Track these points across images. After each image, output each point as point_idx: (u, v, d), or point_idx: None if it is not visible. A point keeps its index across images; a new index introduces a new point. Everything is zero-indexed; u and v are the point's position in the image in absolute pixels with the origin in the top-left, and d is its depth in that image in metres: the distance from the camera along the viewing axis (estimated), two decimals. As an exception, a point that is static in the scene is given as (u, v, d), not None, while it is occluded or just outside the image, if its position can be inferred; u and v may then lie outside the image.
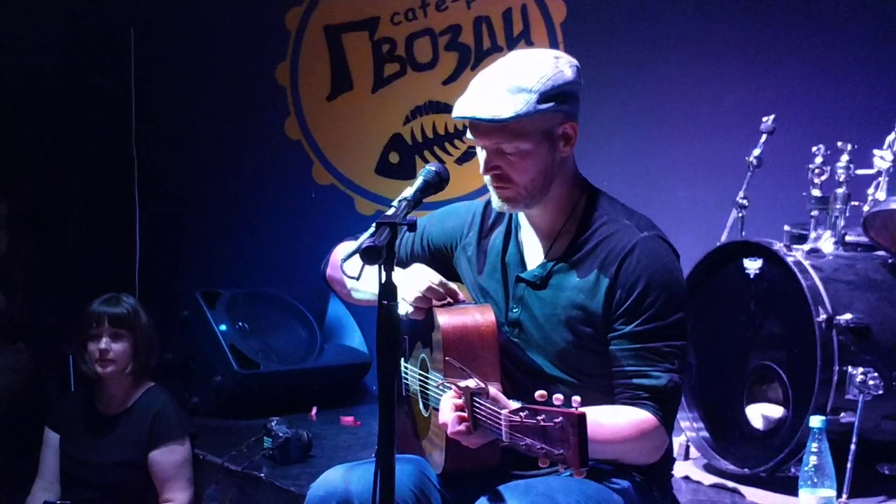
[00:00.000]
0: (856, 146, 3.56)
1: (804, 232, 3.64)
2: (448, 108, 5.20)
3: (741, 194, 3.87)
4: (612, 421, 2.23)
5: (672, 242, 2.42)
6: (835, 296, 3.29)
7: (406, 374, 2.61)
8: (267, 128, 5.75)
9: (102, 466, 3.80)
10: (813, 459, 2.66)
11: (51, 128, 5.63)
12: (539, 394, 1.96)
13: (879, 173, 3.43)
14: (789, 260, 3.36)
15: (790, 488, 3.02)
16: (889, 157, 3.40)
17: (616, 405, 2.29)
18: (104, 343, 3.77)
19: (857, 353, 3.23)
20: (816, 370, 3.21)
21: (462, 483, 2.39)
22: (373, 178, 5.55)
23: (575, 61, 2.40)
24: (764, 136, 3.89)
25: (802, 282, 3.29)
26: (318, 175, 5.68)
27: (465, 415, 2.11)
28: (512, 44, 5.13)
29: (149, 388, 3.89)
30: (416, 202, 2.27)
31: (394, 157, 5.51)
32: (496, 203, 2.41)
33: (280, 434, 3.84)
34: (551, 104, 2.30)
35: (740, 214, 3.87)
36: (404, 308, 2.39)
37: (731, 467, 3.53)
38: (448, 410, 2.15)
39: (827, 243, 3.54)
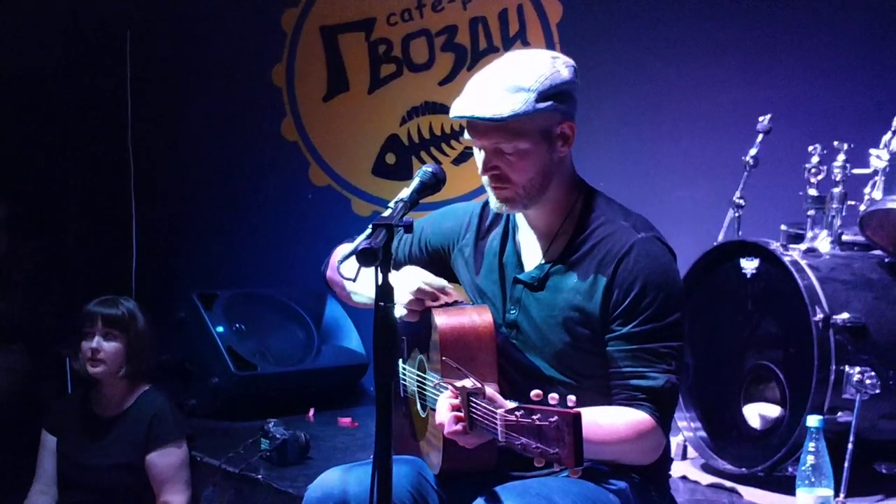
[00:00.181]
0: (852, 145, 3.56)
1: (801, 231, 3.64)
2: (444, 109, 5.25)
3: (738, 194, 3.87)
4: (610, 422, 2.23)
5: (669, 242, 2.43)
6: (831, 295, 3.29)
7: (404, 375, 2.61)
8: (263, 129, 5.75)
9: (99, 469, 3.80)
10: (810, 459, 2.66)
11: (47, 129, 5.63)
12: (535, 393, 1.96)
13: (876, 172, 3.43)
14: (786, 259, 3.36)
15: (788, 488, 3.02)
16: (885, 156, 3.40)
17: (613, 406, 2.29)
18: (95, 342, 3.77)
19: (854, 352, 3.23)
20: (813, 370, 3.21)
21: (459, 484, 2.39)
22: (369, 179, 5.55)
23: (572, 62, 2.40)
24: (760, 136, 3.89)
25: (799, 281, 3.29)
26: (315, 176, 5.68)
27: (462, 415, 2.11)
28: (508, 44, 5.13)
29: (145, 391, 3.89)
30: (412, 203, 2.27)
31: (390, 158, 5.51)
32: (494, 204, 2.41)
33: (277, 436, 3.83)
34: (550, 103, 2.30)
35: (737, 214, 3.87)
36: (398, 311, 2.39)
37: (728, 467, 3.53)
38: (445, 410, 2.15)
39: (823, 243, 3.55)
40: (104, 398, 3.88)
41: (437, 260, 2.64)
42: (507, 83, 2.28)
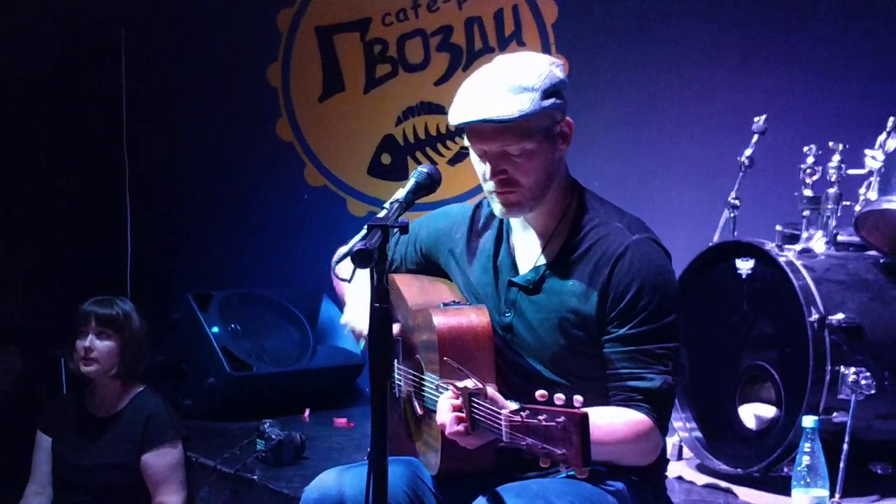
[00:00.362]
0: (847, 146, 3.56)
1: (796, 232, 3.64)
2: (440, 109, 5.26)
3: (733, 194, 3.87)
4: (608, 423, 2.23)
5: (664, 243, 2.43)
6: (827, 296, 3.29)
7: (399, 375, 2.61)
8: (259, 129, 5.75)
9: (95, 469, 3.79)
10: (806, 459, 2.66)
11: (42, 129, 5.62)
12: (539, 393, 1.95)
13: (871, 173, 3.44)
14: (781, 260, 3.36)
15: (783, 488, 3.02)
16: (880, 156, 3.40)
17: (611, 407, 2.29)
18: (89, 341, 3.76)
19: (850, 352, 3.23)
20: (809, 370, 3.21)
21: (456, 484, 2.39)
22: (365, 179, 5.55)
23: (561, 61, 2.41)
24: (755, 137, 3.89)
25: (794, 282, 3.29)
26: (311, 176, 5.68)
27: (464, 415, 2.11)
28: (503, 44, 5.14)
29: (140, 391, 3.88)
30: (408, 204, 2.26)
31: (386, 159, 5.51)
32: (499, 210, 2.40)
33: (273, 436, 3.83)
34: (553, 101, 2.31)
35: (732, 214, 3.87)
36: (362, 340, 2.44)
37: (724, 467, 3.53)
38: (446, 411, 2.15)
39: (819, 243, 3.55)
40: (99, 398, 3.87)
41: (431, 262, 2.64)
42: (509, 84, 2.28)
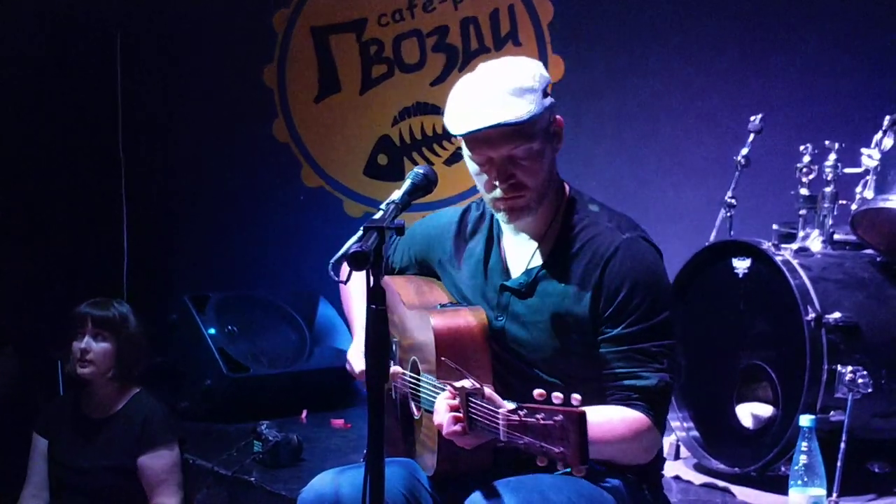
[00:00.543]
0: (843, 145, 3.56)
1: (792, 231, 3.65)
2: (436, 110, 5.26)
3: (729, 193, 3.88)
4: (606, 421, 2.23)
5: (661, 242, 2.42)
6: (823, 294, 3.29)
7: (398, 377, 2.60)
8: (255, 130, 5.75)
9: (91, 471, 3.78)
10: (803, 458, 2.66)
11: (37, 131, 5.61)
12: (538, 392, 1.95)
13: (867, 172, 3.43)
14: (778, 259, 3.36)
15: (780, 487, 3.02)
16: (876, 155, 3.40)
17: (609, 406, 2.29)
18: (85, 343, 3.75)
19: (846, 351, 3.23)
20: (806, 369, 3.21)
21: (453, 485, 2.38)
22: (361, 179, 5.55)
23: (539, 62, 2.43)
24: (752, 136, 3.89)
25: (791, 281, 3.29)
26: (307, 177, 5.68)
27: (461, 415, 2.10)
28: (500, 44, 5.14)
29: (136, 393, 3.87)
30: (404, 205, 2.26)
31: (382, 159, 5.51)
32: (505, 218, 2.39)
33: (270, 438, 3.83)
34: (549, 99, 2.32)
35: (729, 214, 3.88)
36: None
37: (721, 466, 3.53)
38: (443, 411, 2.15)
39: (815, 242, 3.55)
40: (95, 400, 3.86)
41: (425, 269, 2.65)
42: (509, 87, 2.28)
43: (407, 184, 2.31)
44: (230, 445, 3.94)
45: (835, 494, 3.08)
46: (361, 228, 2.09)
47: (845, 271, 3.46)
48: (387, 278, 2.63)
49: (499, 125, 2.26)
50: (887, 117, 3.43)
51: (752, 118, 3.90)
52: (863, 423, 3.24)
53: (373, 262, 2.01)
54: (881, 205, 3.33)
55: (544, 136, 2.34)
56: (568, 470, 2.29)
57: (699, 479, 3.55)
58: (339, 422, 4.53)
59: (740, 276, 3.49)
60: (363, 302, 2.06)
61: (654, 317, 2.30)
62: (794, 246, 3.49)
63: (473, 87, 2.32)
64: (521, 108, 2.26)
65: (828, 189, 3.54)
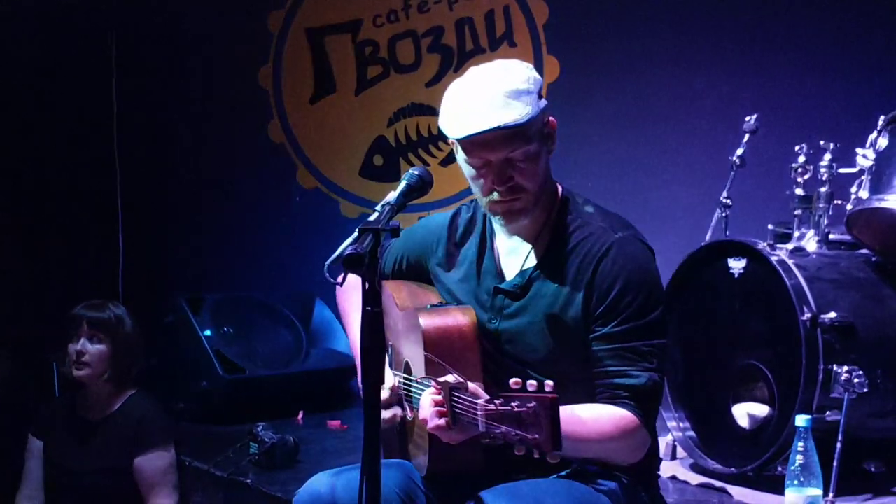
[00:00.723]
0: (838, 145, 3.57)
1: (788, 231, 3.65)
2: (432, 111, 5.25)
3: (725, 194, 3.87)
4: (593, 420, 2.23)
5: (656, 242, 2.43)
6: (819, 294, 3.29)
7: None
8: (250, 131, 5.74)
9: (86, 473, 3.77)
10: (799, 458, 2.66)
11: (32, 133, 5.60)
12: (513, 381, 1.96)
13: (862, 172, 3.44)
14: (773, 259, 3.36)
15: (777, 487, 3.02)
16: (871, 155, 3.41)
17: (597, 404, 2.29)
18: (80, 345, 3.75)
19: (842, 351, 3.24)
20: (801, 369, 3.21)
21: (447, 486, 2.38)
22: (357, 180, 5.54)
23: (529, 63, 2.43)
24: (747, 136, 3.89)
25: (786, 281, 3.30)
26: (303, 178, 5.67)
27: (444, 409, 2.10)
28: (495, 45, 5.14)
29: (132, 394, 3.87)
30: (399, 206, 2.25)
31: (378, 160, 5.51)
32: (502, 221, 2.39)
33: (266, 439, 3.82)
34: (544, 101, 2.32)
35: (724, 214, 3.87)
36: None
37: (717, 467, 3.53)
38: (427, 406, 2.15)
39: (810, 242, 3.55)
40: (91, 402, 3.85)
41: (417, 274, 2.65)
42: (505, 90, 2.27)
43: (402, 185, 2.31)
44: (226, 447, 3.93)
45: (831, 494, 3.08)
46: (357, 230, 2.09)
47: (841, 271, 3.46)
48: (383, 282, 2.63)
49: (497, 128, 2.26)
50: (882, 117, 3.43)
51: (748, 118, 3.90)
52: (859, 422, 3.24)
53: (368, 264, 2.00)
54: (876, 205, 3.34)
55: (540, 138, 2.34)
56: (564, 473, 2.31)
57: (696, 479, 3.55)
58: (335, 423, 4.52)
59: (736, 276, 3.49)
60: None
61: (645, 316, 2.30)
62: (790, 246, 3.50)
63: (469, 91, 2.31)
64: (519, 111, 2.26)
65: (823, 189, 3.54)
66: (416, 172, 2.34)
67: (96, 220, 5.81)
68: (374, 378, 2.02)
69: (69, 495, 3.81)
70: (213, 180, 5.84)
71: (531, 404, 1.87)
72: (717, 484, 3.47)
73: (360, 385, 2.54)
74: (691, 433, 3.67)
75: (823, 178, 3.54)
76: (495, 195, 2.34)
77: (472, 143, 2.31)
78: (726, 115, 4.25)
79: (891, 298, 3.45)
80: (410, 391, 2.43)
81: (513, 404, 1.89)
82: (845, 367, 3.17)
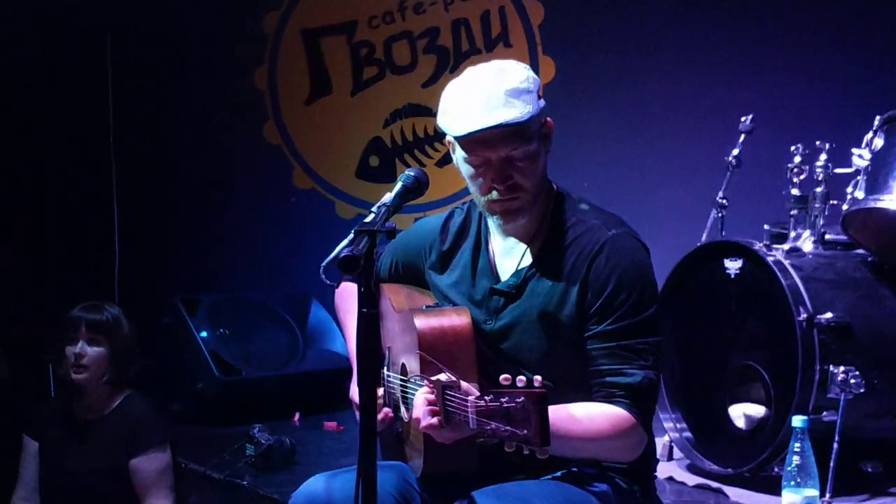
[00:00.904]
0: (834, 145, 3.57)
1: (784, 231, 3.65)
2: (428, 111, 5.25)
3: (721, 194, 3.88)
4: (589, 418, 2.23)
5: (652, 243, 2.42)
6: (815, 295, 3.30)
7: (390, 382, 2.60)
8: (246, 132, 5.73)
9: (82, 474, 3.76)
10: (796, 459, 2.65)
11: (28, 133, 5.59)
12: (503, 377, 1.96)
13: (858, 172, 3.44)
14: (769, 259, 3.36)
15: (774, 488, 3.02)
16: (867, 155, 3.41)
17: (592, 403, 2.29)
18: (79, 347, 3.74)
19: (839, 351, 3.24)
20: (798, 369, 3.22)
21: (443, 487, 2.38)
22: (353, 181, 5.54)
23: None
24: (742, 136, 3.90)
25: (783, 281, 3.30)
26: (298, 179, 5.66)
27: (437, 408, 2.10)
28: (490, 46, 5.14)
29: (128, 395, 3.86)
30: (395, 208, 2.25)
31: (374, 161, 5.50)
32: (499, 220, 2.38)
33: (262, 441, 3.82)
34: (542, 101, 2.32)
35: (720, 214, 3.88)
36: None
37: (714, 467, 3.53)
38: (420, 405, 2.14)
39: (807, 242, 3.55)
40: (87, 403, 3.85)
41: (415, 277, 2.65)
42: (507, 88, 2.27)
43: (398, 186, 2.30)
44: (222, 449, 3.93)
45: (828, 495, 3.08)
46: (352, 232, 2.09)
47: (837, 271, 3.47)
48: (381, 285, 2.63)
49: (499, 125, 2.25)
50: (877, 117, 3.44)
51: (743, 119, 3.90)
52: (855, 423, 3.24)
53: (364, 266, 2.00)
54: (872, 205, 3.34)
55: (539, 137, 2.34)
56: (559, 474, 2.31)
57: (692, 480, 3.55)
58: (331, 424, 4.52)
59: (732, 276, 3.50)
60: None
61: (640, 313, 2.30)
62: (786, 246, 3.50)
63: (470, 89, 2.31)
64: (520, 109, 2.26)
65: (819, 189, 3.54)
66: (413, 174, 2.33)
67: (92, 220, 5.80)
68: (372, 379, 2.02)
69: (65, 496, 3.80)
70: (209, 181, 5.82)
71: (520, 399, 1.87)
72: (714, 485, 3.47)
73: (352, 387, 2.55)
74: (688, 434, 3.67)
75: (819, 179, 3.55)
76: (494, 194, 2.34)
77: (472, 141, 2.30)
78: (722, 116, 4.25)
79: (887, 298, 3.45)
80: (407, 393, 2.42)
81: (502, 400, 1.90)
82: (842, 368, 3.17)
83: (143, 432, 3.78)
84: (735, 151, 3.88)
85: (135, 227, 5.85)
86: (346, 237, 2.13)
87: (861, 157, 3.43)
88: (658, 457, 2.72)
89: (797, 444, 2.64)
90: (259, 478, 3.72)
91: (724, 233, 3.84)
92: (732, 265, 3.49)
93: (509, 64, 2.36)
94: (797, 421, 2.65)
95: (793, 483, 2.64)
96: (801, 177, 3.60)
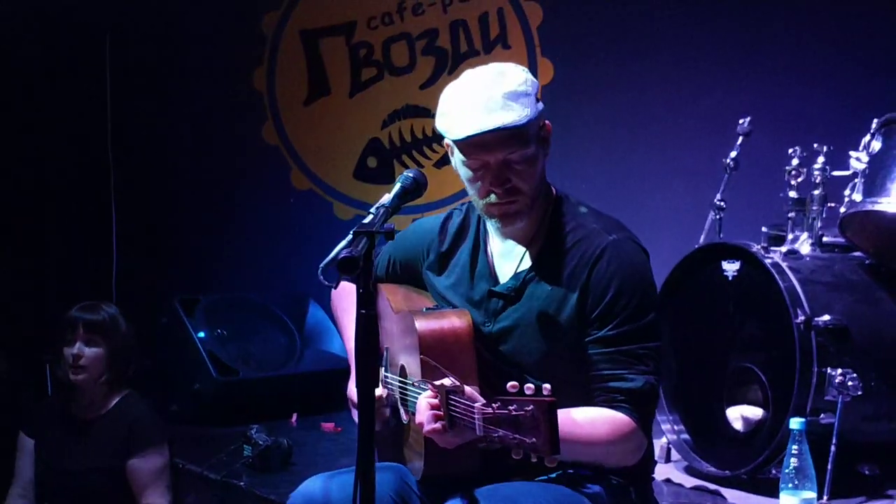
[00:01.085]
0: (832, 148, 3.57)
1: (782, 233, 3.65)
2: (426, 113, 5.25)
3: (718, 196, 3.88)
4: (590, 423, 2.23)
5: (650, 245, 2.42)
6: (813, 297, 3.30)
7: (388, 383, 2.60)
8: (244, 133, 5.73)
9: (78, 473, 3.76)
10: (793, 461, 2.66)
11: (27, 133, 5.59)
12: (511, 384, 1.96)
13: (855, 174, 3.45)
14: (767, 262, 3.36)
15: (771, 490, 3.02)
16: (864, 158, 3.41)
17: (594, 407, 2.29)
18: (77, 348, 3.74)
19: (836, 354, 3.24)
20: (796, 372, 3.22)
21: (442, 489, 2.38)
22: (351, 182, 5.54)
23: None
24: (740, 139, 3.90)
25: (780, 283, 3.30)
26: (297, 180, 5.66)
27: (441, 413, 2.10)
28: (489, 48, 5.14)
29: (126, 395, 3.86)
30: (394, 209, 2.25)
31: (372, 162, 5.50)
32: (498, 223, 2.39)
33: (260, 442, 3.81)
34: (541, 103, 2.33)
35: (718, 216, 3.88)
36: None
37: (712, 469, 3.53)
38: (424, 409, 2.14)
39: (804, 245, 3.56)
40: (84, 401, 3.84)
41: (412, 278, 2.65)
42: (506, 92, 2.28)
43: (397, 187, 2.30)
44: (219, 449, 3.92)
45: (825, 497, 3.08)
46: (351, 233, 2.09)
47: (834, 274, 3.47)
48: (379, 285, 2.63)
49: (499, 129, 2.26)
50: (875, 120, 3.44)
51: (741, 121, 3.91)
52: (853, 425, 3.24)
53: (363, 267, 2.00)
54: (870, 208, 3.34)
55: (537, 139, 2.34)
56: (553, 476, 2.31)
57: (690, 482, 3.55)
58: (329, 425, 4.52)
59: (730, 278, 3.50)
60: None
61: (640, 318, 2.30)
62: (784, 248, 3.50)
63: (468, 93, 2.31)
64: (519, 113, 2.26)
65: (816, 192, 3.55)
66: (411, 175, 2.33)
67: (90, 221, 5.79)
68: (370, 381, 2.02)
69: (62, 495, 3.80)
70: (207, 181, 5.82)
71: (529, 408, 1.87)
72: (712, 487, 3.47)
73: (350, 385, 2.54)
74: (685, 436, 3.67)
75: (817, 181, 3.55)
76: (493, 197, 2.34)
77: (471, 145, 2.31)
78: (720, 118, 4.25)
79: (884, 301, 3.46)
80: (406, 394, 2.42)
81: (510, 408, 1.89)
82: (839, 370, 3.18)
83: (141, 431, 3.78)
84: (733, 154, 3.89)
85: (133, 227, 5.85)
86: (344, 238, 2.12)
87: (859, 160, 3.43)
88: (656, 459, 2.73)
89: (795, 447, 2.65)
90: (256, 478, 3.72)
91: (721, 235, 3.84)
92: (730, 267, 3.49)
93: (508, 67, 2.36)
94: (795, 423, 2.65)
95: (790, 485, 2.64)
96: (799, 179, 3.61)
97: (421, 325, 2.34)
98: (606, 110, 4.78)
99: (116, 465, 3.76)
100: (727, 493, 3.41)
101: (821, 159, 3.56)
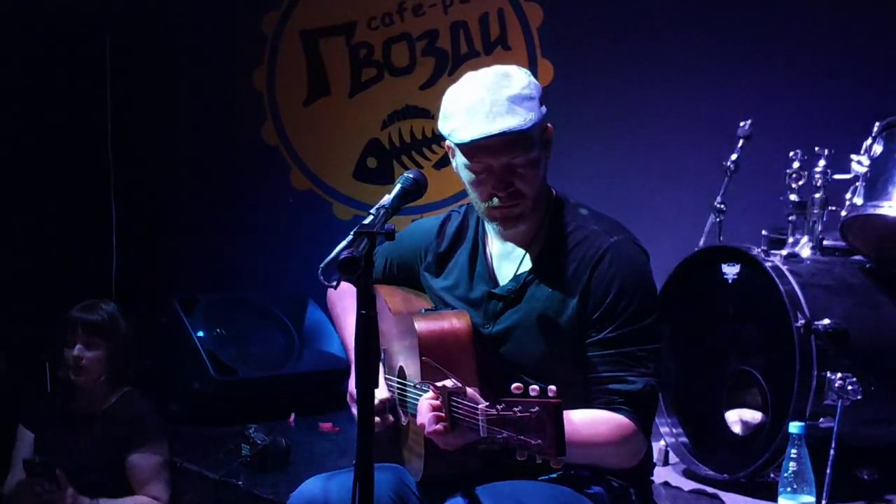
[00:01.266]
0: (833, 151, 3.57)
1: (782, 237, 3.65)
2: (426, 113, 5.25)
3: (719, 199, 3.88)
4: (590, 425, 2.23)
5: (650, 247, 2.42)
6: (813, 301, 3.29)
7: (388, 384, 2.60)
8: (244, 133, 5.73)
9: (78, 468, 3.75)
10: (792, 465, 2.65)
11: (26, 134, 5.59)
12: (515, 386, 1.96)
13: (856, 178, 3.44)
14: (767, 265, 3.36)
15: (770, 494, 3.02)
16: (866, 161, 3.41)
17: (594, 409, 2.29)
18: (77, 350, 3.74)
19: (836, 358, 3.24)
20: (795, 375, 3.21)
21: (441, 489, 2.38)
22: (351, 183, 5.54)
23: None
24: (741, 141, 3.90)
25: (780, 287, 3.29)
26: (296, 180, 5.66)
27: (443, 414, 2.10)
28: (489, 49, 5.13)
29: (126, 392, 3.86)
30: (394, 210, 2.25)
31: (372, 162, 5.50)
32: (499, 227, 2.39)
33: (258, 441, 3.81)
34: (544, 107, 2.32)
35: (718, 219, 3.88)
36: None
37: (710, 473, 3.52)
38: (425, 411, 2.14)
39: (805, 248, 3.56)
40: (84, 398, 3.85)
41: (409, 278, 2.64)
42: (509, 95, 2.28)
43: (397, 188, 2.30)
44: (218, 449, 3.92)
45: (824, 501, 3.07)
46: (351, 233, 2.08)
47: (835, 277, 3.47)
48: (376, 287, 2.63)
49: (503, 133, 2.25)
50: (877, 123, 3.44)
51: (742, 123, 3.90)
52: (852, 429, 3.23)
53: (363, 267, 2.00)
54: (871, 211, 3.34)
55: (540, 143, 2.35)
56: (554, 476, 2.31)
57: (688, 485, 3.55)
58: (327, 425, 4.51)
59: (730, 281, 3.50)
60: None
61: (641, 320, 2.30)
62: (784, 252, 3.50)
63: (473, 95, 2.31)
64: (523, 117, 2.26)
65: (817, 195, 3.54)
66: (412, 176, 2.33)
67: (90, 220, 5.79)
68: (369, 380, 2.01)
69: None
70: (207, 181, 5.82)
71: (534, 409, 1.87)
72: (710, 490, 3.47)
73: (350, 383, 2.54)
74: (684, 439, 3.67)
75: (818, 185, 3.55)
76: (495, 200, 2.34)
77: (475, 148, 2.30)
78: (720, 121, 4.25)
79: (885, 305, 3.46)
80: (405, 396, 2.42)
81: (515, 409, 1.89)
82: (839, 374, 3.17)
83: (140, 428, 3.78)
84: (733, 156, 3.88)
85: (133, 227, 5.85)
86: (343, 238, 2.12)
87: (860, 164, 3.43)
88: (654, 461, 2.72)
89: (794, 451, 2.64)
90: (254, 478, 3.72)
91: (721, 238, 3.84)
92: (730, 270, 3.49)
93: (511, 69, 2.36)
94: (794, 427, 2.65)
95: (789, 489, 2.64)
96: (800, 182, 3.61)
97: (420, 326, 2.34)
98: (606, 112, 4.77)
99: (115, 460, 3.76)
100: (726, 496, 3.41)
101: (822, 162, 3.56)
